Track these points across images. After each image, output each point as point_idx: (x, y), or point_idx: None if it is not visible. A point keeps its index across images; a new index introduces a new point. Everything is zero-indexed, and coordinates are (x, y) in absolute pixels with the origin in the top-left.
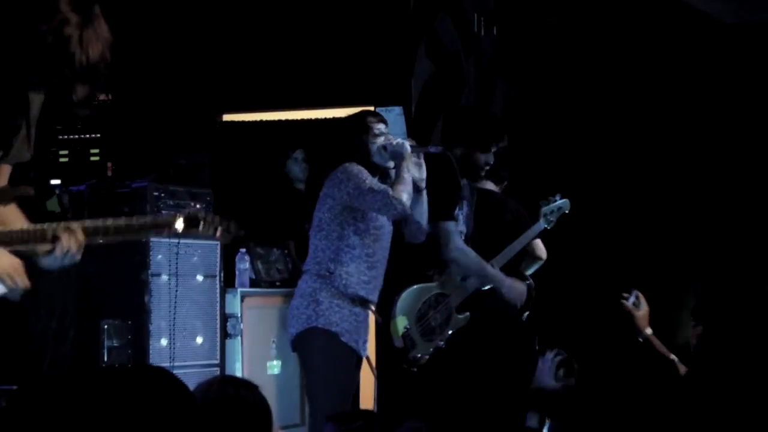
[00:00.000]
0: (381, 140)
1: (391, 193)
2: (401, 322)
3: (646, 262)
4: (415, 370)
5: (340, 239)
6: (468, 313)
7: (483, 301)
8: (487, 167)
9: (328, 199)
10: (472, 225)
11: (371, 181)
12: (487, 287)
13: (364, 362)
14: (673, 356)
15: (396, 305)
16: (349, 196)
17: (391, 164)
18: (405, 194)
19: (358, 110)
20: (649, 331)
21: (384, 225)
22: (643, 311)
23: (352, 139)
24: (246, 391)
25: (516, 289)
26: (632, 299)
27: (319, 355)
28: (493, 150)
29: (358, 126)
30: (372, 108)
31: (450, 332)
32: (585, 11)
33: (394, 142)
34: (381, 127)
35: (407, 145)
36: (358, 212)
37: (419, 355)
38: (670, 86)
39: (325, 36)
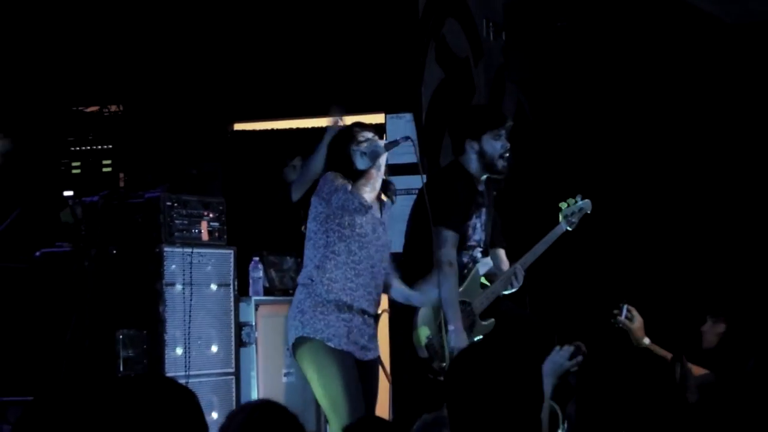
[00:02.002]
0: (362, 146)
1: (349, 188)
2: (423, 333)
3: (660, 264)
4: (442, 379)
5: (326, 246)
6: (492, 320)
7: (501, 306)
8: (506, 154)
9: (312, 208)
10: (490, 232)
11: (338, 183)
12: (508, 291)
13: (379, 369)
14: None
15: (417, 316)
16: (326, 201)
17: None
18: (367, 187)
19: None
20: (646, 341)
21: (368, 233)
22: (637, 323)
23: (335, 149)
24: (285, 420)
25: (461, 339)
26: (624, 313)
27: (311, 364)
28: (503, 133)
29: (344, 136)
30: (382, 114)
31: (475, 339)
32: (594, 15)
33: (368, 143)
34: (366, 134)
35: (380, 142)
36: (343, 218)
37: (444, 365)
38: (680, 87)
39: (335, 44)
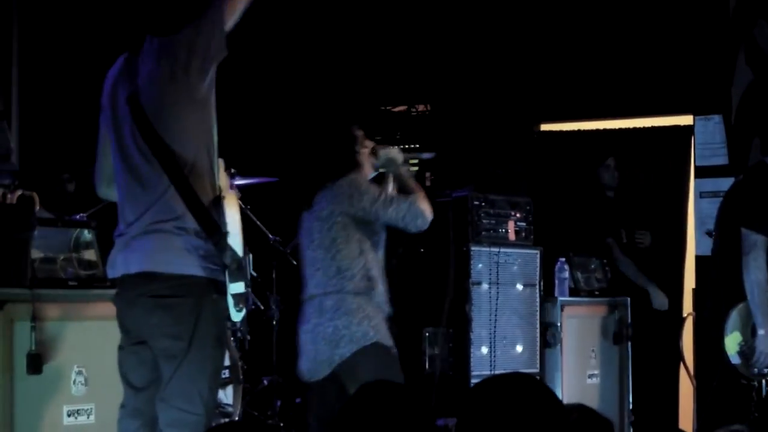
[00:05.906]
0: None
1: (416, 204)
2: (735, 339)
3: None
4: (756, 384)
5: (362, 254)
6: None
7: None
8: None
9: (343, 217)
10: None
11: (387, 192)
12: None
13: (683, 370)
14: None
15: (727, 322)
16: (365, 211)
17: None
18: (426, 202)
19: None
20: None
21: None
22: None
23: (342, 150)
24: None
25: None
26: None
27: (375, 369)
28: None
29: (349, 138)
30: (690, 116)
31: None
32: None
33: (383, 149)
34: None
35: (396, 150)
36: (375, 224)
37: (756, 370)
38: None
39: (644, 45)
